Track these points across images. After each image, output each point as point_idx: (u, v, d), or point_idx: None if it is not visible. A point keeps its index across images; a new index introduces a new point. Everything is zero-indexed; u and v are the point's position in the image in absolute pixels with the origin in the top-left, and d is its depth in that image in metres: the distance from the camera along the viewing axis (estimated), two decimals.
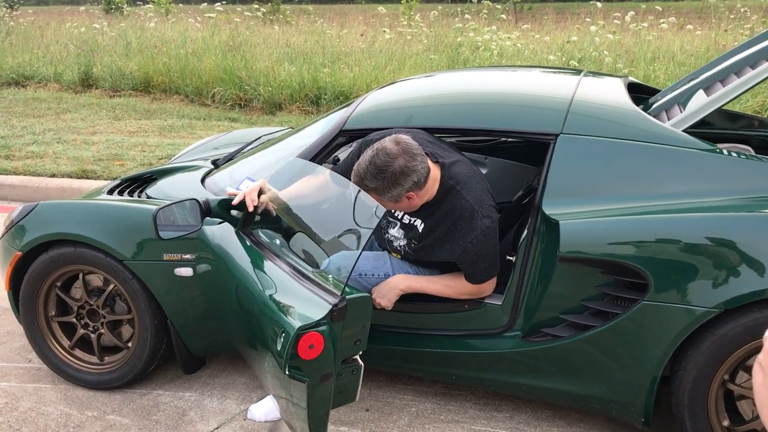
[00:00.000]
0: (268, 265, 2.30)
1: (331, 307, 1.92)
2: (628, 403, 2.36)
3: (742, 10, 9.18)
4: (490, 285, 2.56)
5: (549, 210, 2.38)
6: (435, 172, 2.43)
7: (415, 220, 2.53)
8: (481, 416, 2.75)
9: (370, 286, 2.60)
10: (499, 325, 2.55)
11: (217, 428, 2.70)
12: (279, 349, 1.93)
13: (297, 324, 1.89)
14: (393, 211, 2.58)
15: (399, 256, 2.66)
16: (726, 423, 2.25)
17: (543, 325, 2.46)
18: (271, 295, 2.13)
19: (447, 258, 2.48)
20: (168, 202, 2.49)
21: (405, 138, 2.36)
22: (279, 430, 2.67)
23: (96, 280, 2.90)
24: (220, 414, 2.79)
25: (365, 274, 2.63)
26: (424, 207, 2.48)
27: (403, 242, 2.59)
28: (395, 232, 2.62)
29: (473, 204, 2.40)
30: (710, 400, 2.23)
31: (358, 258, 2.14)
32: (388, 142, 2.33)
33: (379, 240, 2.76)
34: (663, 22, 9.25)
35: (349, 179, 2.35)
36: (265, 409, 2.53)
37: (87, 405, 2.87)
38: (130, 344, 2.89)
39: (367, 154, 2.34)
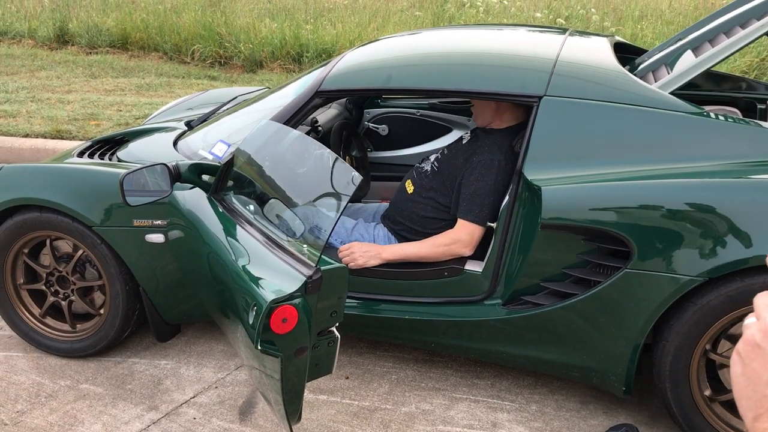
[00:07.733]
0: (240, 232, 2.22)
1: (305, 279, 1.84)
2: (609, 371, 2.33)
3: None
4: (466, 234, 2.55)
5: (531, 175, 2.30)
6: (516, 115, 2.68)
7: (467, 134, 2.79)
8: (462, 383, 2.72)
9: (352, 240, 2.73)
10: (479, 292, 2.50)
11: (194, 397, 2.65)
12: (251, 322, 1.86)
13: (269, 297, 1.82)
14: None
15: (412, 189, 2.76)
16: (708, 392, 2.22)
17: (524, 292, 2.40)
18: (243, 266, 2.05)
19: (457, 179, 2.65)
20: (136, 167, 2.39)
21: None
22: (254, 399, 2.62)
23: (65, 245, 2.81)
24: (197, 382, 2.73)
25: (355, 232, 2.81)
26: (481, 131, 2.74)
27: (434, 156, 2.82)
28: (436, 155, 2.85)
29: (501, 154, 2.60)
30: (692, 370, 2.20)
31: (335, 223, 2.05)
32: None
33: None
34: None
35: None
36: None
37: (60, 374, 2.80)
38: (102, 311, 2.82)
39: None
